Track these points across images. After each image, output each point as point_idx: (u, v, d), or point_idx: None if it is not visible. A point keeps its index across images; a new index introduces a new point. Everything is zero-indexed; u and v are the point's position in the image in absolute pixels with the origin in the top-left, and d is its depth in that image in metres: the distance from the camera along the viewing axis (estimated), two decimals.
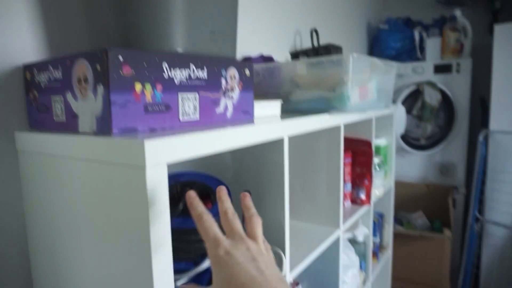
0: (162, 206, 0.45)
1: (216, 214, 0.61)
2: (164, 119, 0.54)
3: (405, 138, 2.10)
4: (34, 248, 0.64)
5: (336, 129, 0.97)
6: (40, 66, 0.58)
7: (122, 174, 0.45)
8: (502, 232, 1.84)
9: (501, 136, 1.82)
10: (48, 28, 0.66)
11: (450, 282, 1.91)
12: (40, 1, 0.65)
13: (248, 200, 0.47)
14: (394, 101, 1.52)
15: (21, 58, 0.63)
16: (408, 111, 2.08)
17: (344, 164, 1.14)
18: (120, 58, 0.47)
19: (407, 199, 2.17)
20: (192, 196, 0.46)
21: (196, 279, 0.62)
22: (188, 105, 0.58)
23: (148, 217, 0.43)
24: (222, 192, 0.47)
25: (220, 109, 0.64)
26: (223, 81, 0.63)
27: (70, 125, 0.54)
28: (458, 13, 2.08)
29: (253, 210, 0.46)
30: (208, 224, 0.42)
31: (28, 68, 0.61)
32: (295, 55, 1.36)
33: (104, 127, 0.48)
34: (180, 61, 0.55)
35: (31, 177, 0.61)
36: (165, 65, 0.53)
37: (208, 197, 0.64)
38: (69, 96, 0.53)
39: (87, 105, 0.50)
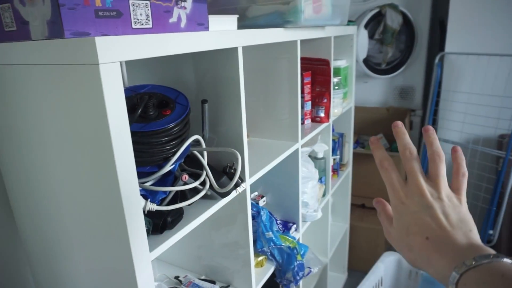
0: (119, 104, 0.48)
1: (174, 119, 0.65)
2: (116, 26, 0.55)
3: (367, 63, 2.16)
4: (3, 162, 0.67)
5: (292, 46, 1.00)
6: None
7: (77, 75, 0.48)
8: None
9: (455, 57, 1.91)
10: None
11: None
12: None
13: (430, 135, 0.43)
14: (353, 21, 1.55)
15: None
16: (371, 36, 2.11)
17: (304, 84, 1.19)
18: None
19: (369, 123, 2.29)
20: (373, 141, 0.46)
21: (161, 181, 0.68)
22: (140, 12, 0.59)
23: (107, 115, 0.47)
24: (398, 128, 0.45)
25: (173, 19, 0.65)
26: None
27: (22, 33, 0.55)
28: None
29: (435, 147, 0.42)
30: (387, 174, 0.43)
31: None
32: None
33: (56, 31, 0.49)
34: None
35: None
36: None
37: (167, 105, 0.67)
38: (16, 2, 0.53)
39: (36, 10, 0.51)
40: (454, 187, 0.42)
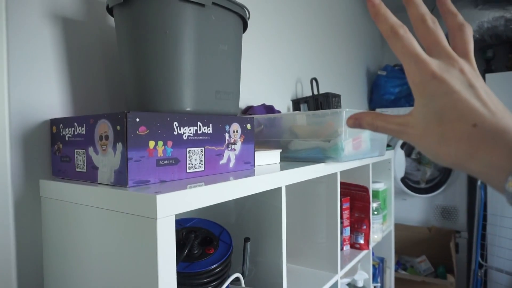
0: (169, 252, 0.50)
1: (217, 260, 0.66)
2: (173, 172, 0.61)
3: (406, 181, 2.14)
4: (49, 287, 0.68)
5: (332, 176, 1.03)
6: (66, 122, 0.65)
7: (135, 224, 0.51)
8: (506, 280, 1.83)
9: None
10: (73, 89, 0.75)
11: None
12: (68, 64, 0.74)
13: (450, 3, 0.34)
14: (390, 146, 1.59)
15: (49, 113, 0.71)
16: (408, 154, 2.14)
17: (342, 209, 1.19)
18: (137, 119, 0.55)
19: (409, 243, 2.17)
20: (376, 2, 0.33)
21: None
22: (195, 158, 0.65)
23: (157, 263, 0.49)
24: None
25: (223, 161, 0.71)
26: (227, 136, 0.71)
27: (90, 175, 0.61)
28: None
29: (460, 16, 0.33)
30: (407, 42, 0.31)
31: (54, 122, 0.68)
32: (296, 102, 1.44)
33: (121, 179, 0.55)
34: (188, 120, 0.63)
35: (51, 221, 0.67)
36: (175, 124, 0.61)
37: (211, 243, 0.69)
38: (91, 150, 0.60)
39: (106, 159, 0.57)
40: (459, 51, 0.32)
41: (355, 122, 0.37)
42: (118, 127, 0.55)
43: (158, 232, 0.48)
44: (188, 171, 0.63)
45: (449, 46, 0.32)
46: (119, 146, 0.55)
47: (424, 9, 0.33)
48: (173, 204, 0.50)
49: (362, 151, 0.99)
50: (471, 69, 0.31)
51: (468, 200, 2.13)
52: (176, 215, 0.87)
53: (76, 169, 0.64)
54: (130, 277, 0.53)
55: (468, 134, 0.29)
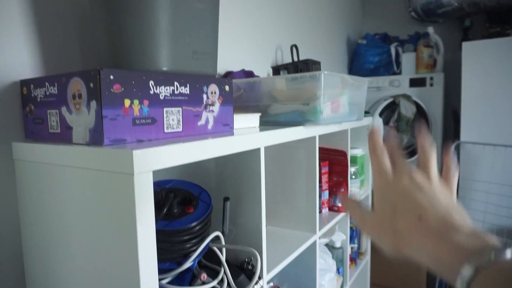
0: (148, 209, 0.51)
1: (196, 218, 0.67)
2: (150, 131, 0.60)
3: None
4: (28, 249, 0.68)
5: (311, 139, 1.05)
6: (37, 82, 0.63)
7: (112, 181, 0.51)
8: None
9: (470, 147, 1.93)
10: (43, 48, 0.72)
11: (426, 286, 1.99)
12: (37, 23, 0.71)
13: (423, 134, 0.40)
14: (368, 112, 1.61)
15: (18, 74, 0.68)
16: (385, 123, 2.18)
17: (321, 173, 1.21)
18: (111, 77, 0.53)
19: None
20: (375, 132, 0.41)
21: (179, 278, 0.68)
22: (172, 118, 0.64)
23: (135, 219, 0.49)
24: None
25: (201, 122, 0.70)
26: (205, 97, 0.70)
27: (64, 136, 0.60)
28: (431, 30, 2.20)
29: (425, 139, 0.40)
30: (377, 159, 0.39)
31: (25, 83, 0.66)
32: (276, 69, 1.44)
33: (96, 138, 0.54)
34: (165, 79, 0.62)
35: (26, 184, 0.66)
36: (151, 83, 0.59)
37: (190, 202, 0.69)
38: (64, 110, 0.59)
39: (80, 119, 0.56)
40: (445, 180, 0.38)
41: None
42: (92, 85, 0.53)
43: (135, 188, 0.48)
44: (165, 131, 0.63)
45: (403, 161, 0.39)
46: (93, 104, 0.53)
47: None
48: (150, 160, 0.50)
49: (340, 114, 1.00)
50: (425, 175, 0.37)
51: (441, 166, 2.21)
52: (154, 176, 0.87)
53: (50, 130, 0.62)
54: (109, 235, 0.53)
55: (416, 227, 0.33)
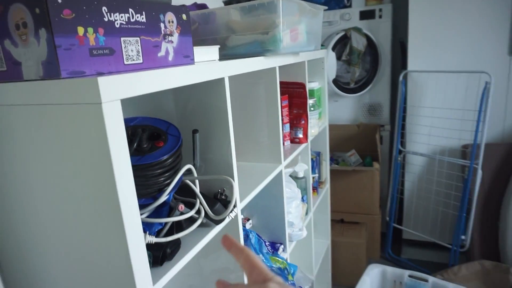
0: (121, 141, 0.49)
1: (167, 151, 0.66)
2: (110, 63, 0.57)
3: (337, 82, 2.25)
4: None
5: (271, 72, 1.04)
6: None
7: (78, 115, 0.48)
8: (420, 160, 2.12)
9: (417, 75, 2.04)
10: None
11: (380, 208, 2.18)
12: None
13: (231, 242, 0.43)
14: (323, 45, 1.63)
15: None
16: (338, 57, 2.22)
17: (282, 106, 1.23)
18: (59, 0, 0.48)
19: (341, 140, 2.37)
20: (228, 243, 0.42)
21: (156, 212, 0.68)
22: (131, 49, 0.60)
23: (110, 153, 0.47)
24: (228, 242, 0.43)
25: (161, 53, 0.67)
26: (162, 26, 0.66)
27: (12, 73, 0.55)
28: None
29: (245, 250, 0.41)
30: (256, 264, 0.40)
31: None
32: (228, 2, 1.37)
33: (51, 71, 0.50)
34: (118, 5, 0.57)
35: None
36: (104, 9, 0.55)
37: (159, 137, 0.68)
38: (7, 43, 0.53)
39: (30, 51, 0.51)
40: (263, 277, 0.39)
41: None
42: (38, 10, 0.48)
43: (105, 118, 0.46)
44: (125, 62, 0.59)
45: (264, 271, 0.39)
46: (43, 33, 0.49)
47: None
48: (117, 88, 0.48)
49: (299, 43, 1.00)
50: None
51: (391, 96, 2.33)
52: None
53: None
54: (82, 175, 0.51)
55: None
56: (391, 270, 1.33)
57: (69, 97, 0.48)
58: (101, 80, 0.45)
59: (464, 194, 1.89)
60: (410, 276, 1.29)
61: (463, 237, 1.92)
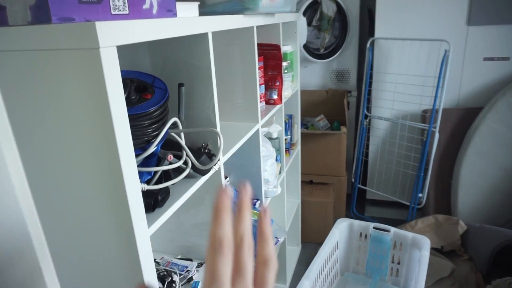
0: (117, 88, 0.50)
1: (155, 103, 0.68)
2: (98, 12, 0.57)
3: (307, 48, 2.29)
4: None
5: (249, 31, 1.06)
6: None
7: (73, 60, 0.49)
8: (384, 124, 2.24)
9: (384, 42, 2.11)
10: None
11: (346, 170, 2.31)
12: None
13: (269, 228, 0.32)
14: (296, 10, 1.64)
15: None
16: (309, 23, 2.24)
17: (258, 68, 1.25)
18: None
19: (310, 105, 2.44)
20: (225, 197, 0.29)
21: (145, 164, 0.71)
22: None
23: (108, 100, 0.49)
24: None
25: (146, 6, 0.67)
26: None
27: None
28: None
29: (270, 247, 0.31)
30: (221, 262, 0.28)
31: None
32: None
33: (41, 16, 0.50)
34: None
35: None
36: None
37: (146, 90, 0.70)
38: None
39: None
40: (257, 284, 0.30)
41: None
42: None
43: (103, 64, 0.47)
44: (113, 12, 0.59)
45: (251, 276, 0.30)
46: None
47: (247, 232, 0.30)
48: (113, 34, 0.48)
49: (277, 4, 1.01)
50: None
51: (358, 63, 2.41)
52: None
53: None
54: (75, 121, 0.52)
55: None
56: (357, 223, 1.44)
57: (64, 43, 0.48)
58: (99, 25, 0.46)
59: (423, 155, 2.04)
60: (374, 228, 1.40)
61: (420, 195, 2.09)
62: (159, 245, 1.03)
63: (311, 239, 2.17)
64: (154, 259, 0.97)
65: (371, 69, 2.17)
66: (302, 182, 2.05)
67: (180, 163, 0.71)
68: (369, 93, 2.21)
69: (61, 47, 0.49)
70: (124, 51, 0.84)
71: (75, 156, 0.55)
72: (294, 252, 2.03)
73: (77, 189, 0.57)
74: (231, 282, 0.28)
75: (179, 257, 1.00)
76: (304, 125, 2.40)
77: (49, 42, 0.49)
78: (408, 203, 2.13)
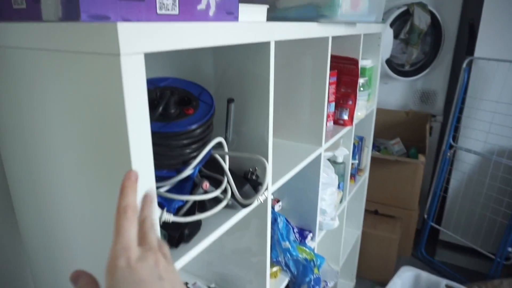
0: (140, 101, 0.41)
1: (197, 120, 0.58)
2: (140, 10, 0.48)
3: (390, 63, 2.06)
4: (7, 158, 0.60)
5: (323, 42, 0.92)
6: None
7: (94, 66, 0.41)
8: (473, 158, 1.93)
9: (485, 63, 1.81)
10: None
11: (419, 204, 2.04)
12: None
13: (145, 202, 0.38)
14: (383, 19, 1.46)
15: None
16: (396, 35, 2.02)
17: (329, 83, 1.11)
18: None
19: (386, 126, 2.21)
20: (131, 177, 0.37)
21: (179, 187, 0.61)
22: None
23: (125, 112, 0.40)
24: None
25: (201, 6, 0.58)
26: None
27: (31, 12, 0.48)
28: None
29: (146, 210, 0.37)
30: (125, 223, 0.33)
31: None
32: None
33: (71, 12, 0.42)
34: None
35: None
36: None
37: (189, 103, 0.60)
38: None
39: None
40: (151, 241, 0.34)
41: None
42: None
43: (123, 74, 0.38)
44: (158, 12, 0.51)
45: (154, 237, 0.35)
46: None
47: (147, 213, 0.37)
48: (140, 39, 0.39)
49: (359, 12, 0.87)
50: (165, 263, 0.34)
51: (449, 84, 2.12)
52: (147, 74, 0.77)
53: (14, 6, 0.50)
54: (93, 134, 0.45)
55: None
56: (426, 275, 1.22)
57: (87, 45, 0.40)
58: (121, 26, 0.37)
59: None
60: (447, 286, 1.17)
61: (510, 249, 1.75)
62: (195, 265, 0.94)
63: (368, 276, 1.94)
64: (186, 283, 0.89)
65: (465, 93, 1.88)
66: (366, 211, 1.84)
67: (217, 193, 0.60)
68: (458, 120, 1.92)
69: (84, 49, 0.41)
70: (183, 51, 0.76)
71: (82, 168, 0.47)
72: (346, 287, 1.83)
73: (88, 203, 0.49)
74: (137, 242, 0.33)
75: (212, 285, 0.90)
76: (376, 147, 2.17)
77: (74, 43, 0.42)
78: (493, 256, 1.80)
